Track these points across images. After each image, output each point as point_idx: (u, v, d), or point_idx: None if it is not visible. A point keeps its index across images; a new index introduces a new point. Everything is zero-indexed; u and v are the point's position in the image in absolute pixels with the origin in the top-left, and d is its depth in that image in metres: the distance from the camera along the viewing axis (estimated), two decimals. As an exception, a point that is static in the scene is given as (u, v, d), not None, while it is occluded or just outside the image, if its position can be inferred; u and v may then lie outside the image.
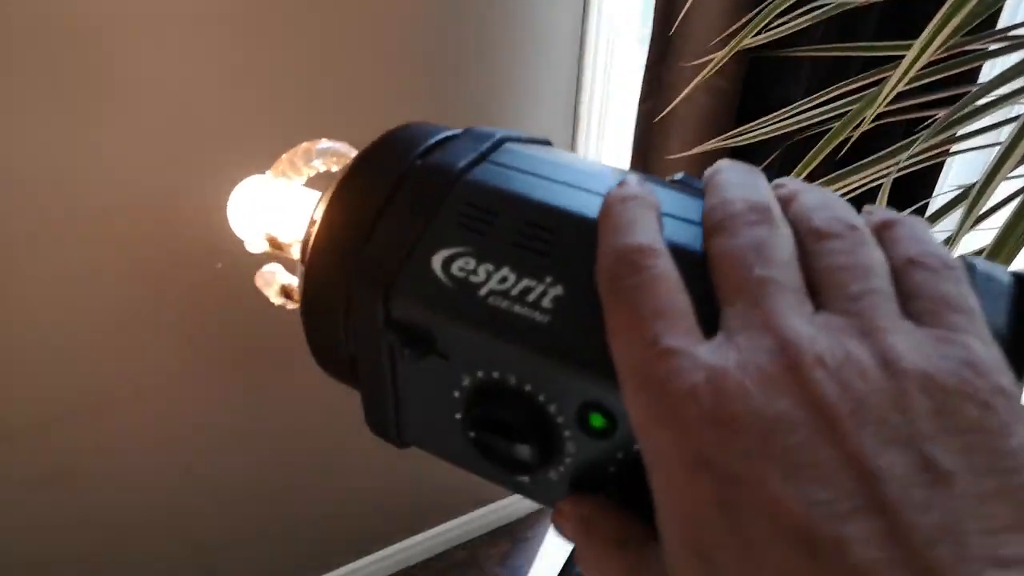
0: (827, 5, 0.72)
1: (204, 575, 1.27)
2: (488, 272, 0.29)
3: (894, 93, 0.65)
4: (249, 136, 0.83)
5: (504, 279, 0.29)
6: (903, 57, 0.70)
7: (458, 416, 0.31)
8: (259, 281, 0.39)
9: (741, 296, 0.23)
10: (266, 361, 1.09)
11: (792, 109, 0.77)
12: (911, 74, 0.63)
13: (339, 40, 0.88)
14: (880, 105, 0.65)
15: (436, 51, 0.95)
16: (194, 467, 1.14)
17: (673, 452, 0.21)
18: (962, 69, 0.72)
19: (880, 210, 0.28)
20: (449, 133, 0.34)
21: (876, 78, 0.76)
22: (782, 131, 0.77)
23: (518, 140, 0.35)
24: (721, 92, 0.90)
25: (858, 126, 0.71)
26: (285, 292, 0.39)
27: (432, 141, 0.34)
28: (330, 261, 0.32)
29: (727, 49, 0.70)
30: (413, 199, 0.32)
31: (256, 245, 0.39)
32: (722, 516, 0.20)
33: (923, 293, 0.23)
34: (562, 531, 0.30)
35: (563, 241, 0.29)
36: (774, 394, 0.20)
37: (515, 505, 1.60)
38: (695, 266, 0.26)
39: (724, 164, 0.29)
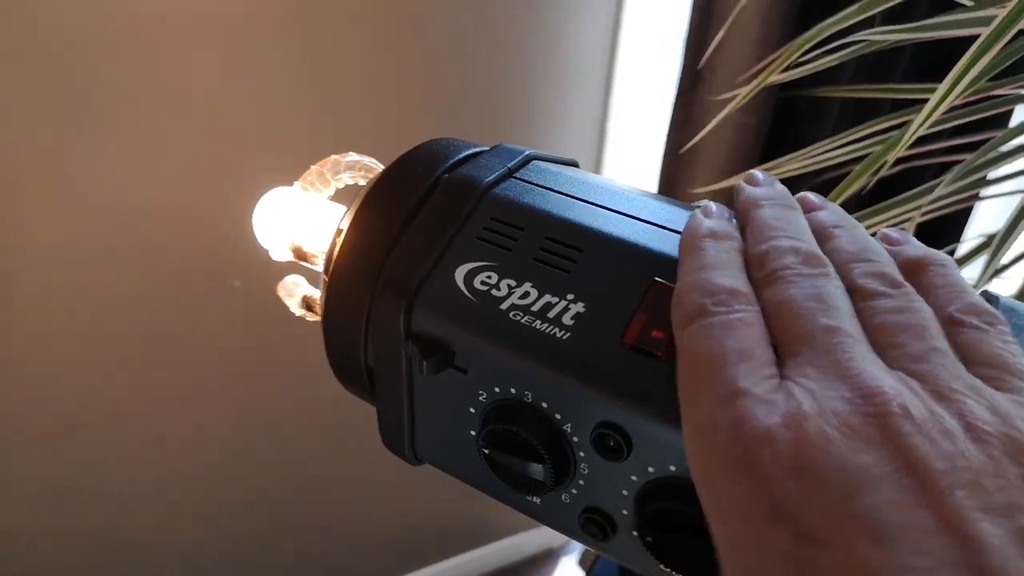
0: (855, 45, 0.72)
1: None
2: (510, 287, 0.29)
3: (915, 137, 0.64)
4: (277, 148, 0.84)
5: (526, 294, 0.29)
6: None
7: (473, 433, 0.31)
8: (281, 291, 0.40)
9: (808, 345, 0.22)
10: (280, 380, 1.10)
11: (816, 147, 0.77)
12: (933, 118, 0.63)
13: (370, 57, 0.89)
14: (902, 148, 0.65)
15: (465, 73, 0.96)
16: (202, 483, 1.14)
17: (746, 502, 0.20)
18: (991, 113, 0.72)
19: (902, 242, 0.27)
20: (477, 149, 0.35)
21: (901, 120, 0.76)
22: (805, 169, 0.77)
23: (546, 159, 0.35)
24: (747, 128, 0.90)
25: (879, 169, 0.70)
26: (307, 304, 0.39)
27: (460, 156, 0.34)
28: (354, 271, 0.32)
29: (752, 85, 0.70)
30: (438, 212, 0.32)
31: (281, 254, 0.39)
32: None
33: (977, 356, 0.22)
34: None
35: (586, 259, 0.29)
36: (857, 444, 0.19)
37: (524, 546, 1.57)
38: None
39: (759, 192, 0.28)
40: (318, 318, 0.40)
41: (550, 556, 1.59)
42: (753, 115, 0.89)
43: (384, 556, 1.42)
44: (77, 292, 0.90)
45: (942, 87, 0.58)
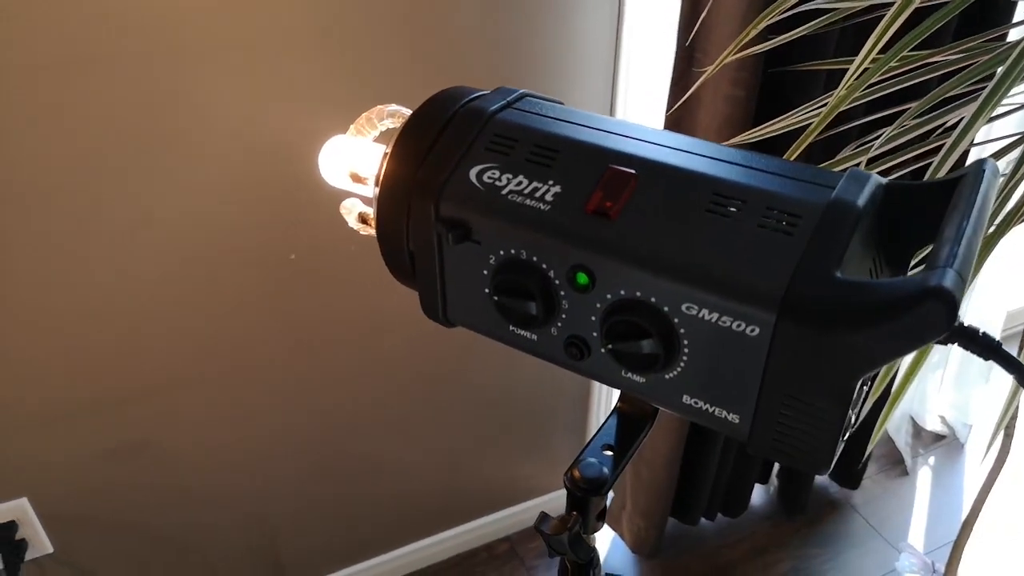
0: (823, 17, 0.83)
1: (268, 543, 1.39)
2: (508, 179, 0.41)
3: (841, 105, 0.74)
4: (333, 103, 0.96)
5: (519, 183, 0.41)
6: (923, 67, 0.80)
7: (487, 290, 0.43)
8: (343, 210, 0.52)
9: None
10: (336, 349, 1.22)
11: (794, 113, 0.88)
12: (848, 87, 0.73)
13: (398, 32, 0.99)
14: (829, 116, 0.75)
15: (483, 37, 1.05)
16: (263, 444, 1.27)
17: None
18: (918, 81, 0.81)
19: None
20: (483, 92, 0.47)
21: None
22: (784, 130, 0.87)
23: (536, 97, 0.47)
24: (738, 100, 1.01)
25: (826, 129, 0.81)
26: (362, 218, 0.51)
27: (470, 96, 0.46)
28: (397, 180, 0.45)
29: (731, 48, 0.80)
30: (456, 133, 0.44)
31: (341, 183, 0.52)
32: None
33: None
34: None
35: (562, 158, 0.41)
36: None
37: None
38: None
39: None
40: (369, 230, 0.52)
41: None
42: (743, 88, 1.00)
43: (434, 513, 1.54)
44: (143, 263, 1.03)
45: (858, 58, 0.68)
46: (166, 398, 1.14)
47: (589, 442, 0.58)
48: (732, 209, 0.37)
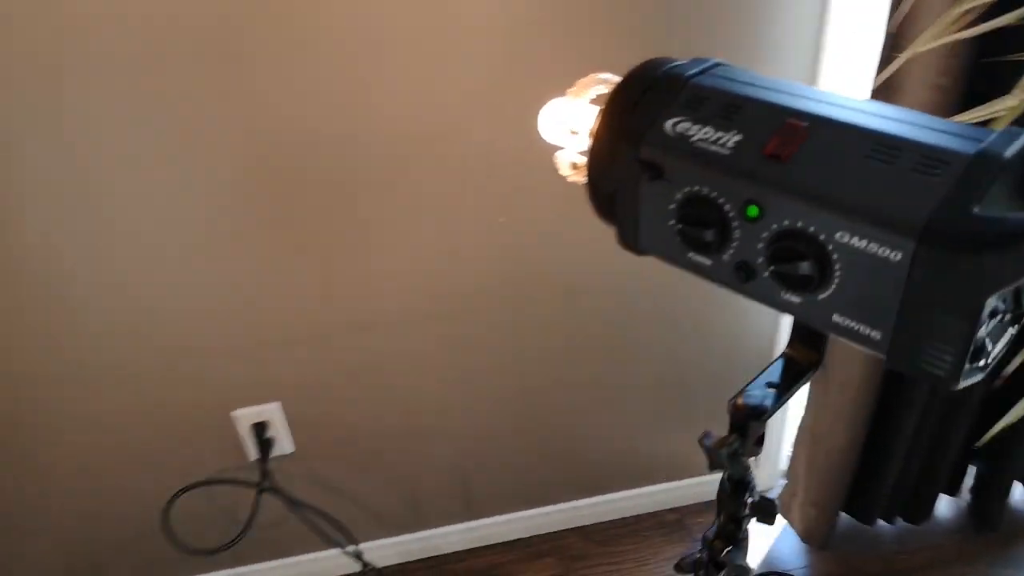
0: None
1: (462, 479, 1.56)
2: (697, 129, 0.51)
3: None
4: (552, 71, 1.09)
5: (706, 132, 0.50)
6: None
7: (672, 221, 0.53)
8: (556, 160, 0.64)
9: None
10: (538, 307, 1.36)
11: (997, 102, 0.88)
12: None
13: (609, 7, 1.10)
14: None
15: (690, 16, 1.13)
16: (470, 383, 1.43)
17: None
18: None
19: None
20: (682, 61, 0.56)
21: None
22: (984, 118, 0.88)
23: (728, 65, 0.56)
24: (942, 89, 1.01)
25: None
26: (573, 166, 0.63)
27: (671, 64, 0.56)
28: (607, 131, 0.56)
29: (927, 34, 0.83)
30: (657, 93, 0.54)
31: (555, 138, 0.63)
32: None
33: None
34: None
35: (744, 112, 0.50)
36: None
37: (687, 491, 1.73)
38: None
39: None
40: (577, 177, 0.64)
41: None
42: (948, 77, 1.00)
43: (611, 473, 1.65)
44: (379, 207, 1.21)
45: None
46: (405, 331, 1.33)
47: (755, 378, 0.66)
48: (888, 156, 0.44)
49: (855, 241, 0.44)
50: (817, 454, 1.49)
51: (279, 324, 1.27)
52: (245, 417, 1.35)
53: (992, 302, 0.41)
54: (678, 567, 0.78)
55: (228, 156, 1.11)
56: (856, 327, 0.46)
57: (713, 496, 1.72)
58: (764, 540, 1.66)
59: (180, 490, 1.34)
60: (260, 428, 1.37)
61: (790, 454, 1.62)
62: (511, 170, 1.18)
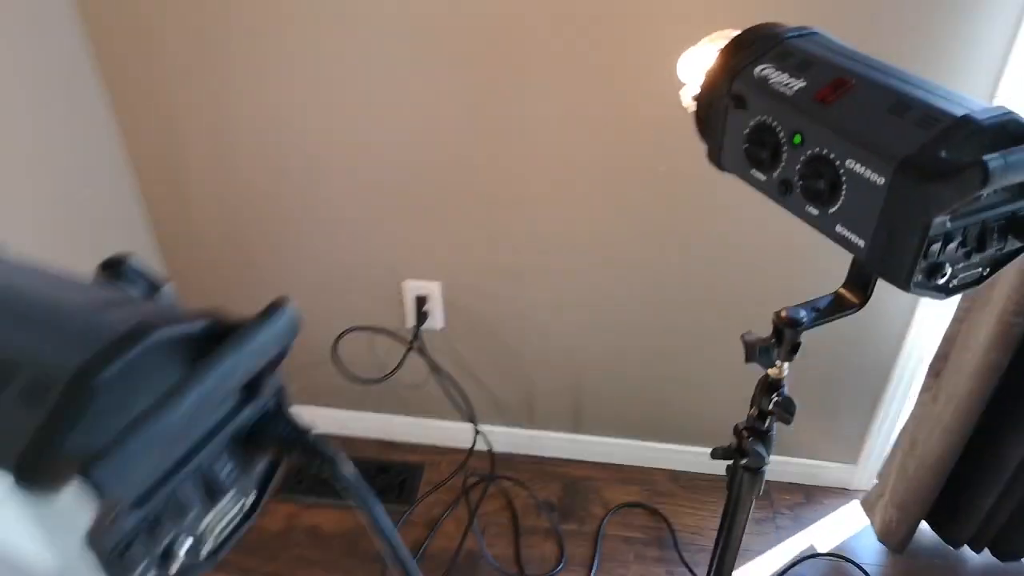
0: None
1: (575, 399, 1.78)
2: (777, 74, 0.67)
3: None
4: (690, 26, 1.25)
5: (781, 77, 0.67)
6: None
7: (743, 143, 0.70)
8: (682, 93, 0.81)
9: None
10: (691, 257, 1.52)
11: None
12: None
13: None
14: None
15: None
16: (609, 313, 1.63)
17: None
18: None
19: None
20: (786, 25, 0.72)
21: None
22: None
23: (824, 34, 0.71)
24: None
25: None
26: (694, 98, 0.80)
27: (775, 27, 0.72)
28: (716, 70, 0.73)
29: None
30: (757, 46, 0.70)
31: (687, 78, 0.81)
32: None
33: None
34: None
35: (813, 68, 0.66)
36: None
37: (820, 475, 1.80)
38: None
39: None
40: (692, 107, 0.81)
41: (843, 494, 1.80)
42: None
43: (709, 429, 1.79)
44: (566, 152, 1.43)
45: None
46: (562, 252, 1.55)
47: (807, 302, 0.81)
48: (902, 111, 0.59)
49: (858, 167, 0.59)
50: (910, 459, 1.55)
51: (459, 217, 1.54)
52: (411, 289, 1.64)
53: (943, 225, 0.55)
54: (713, 454, 0.94)
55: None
56: (850, 236, 0.62)
57: (806, 481, 1.85)
58: (844, 530, 1.73)
59: (349, 328, 1.66)
60: (421, 301, 1.65)
61: (887, 456, 1.68)
62: (669, 125, 1.35)
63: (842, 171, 0.61)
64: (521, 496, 1.79)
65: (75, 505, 0.34)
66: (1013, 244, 0.60)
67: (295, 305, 0.40)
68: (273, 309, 0.39)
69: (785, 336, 0.80)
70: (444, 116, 1.41)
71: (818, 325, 0.80)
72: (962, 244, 0.58)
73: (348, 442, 1.90)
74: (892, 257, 0.58)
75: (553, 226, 1.52)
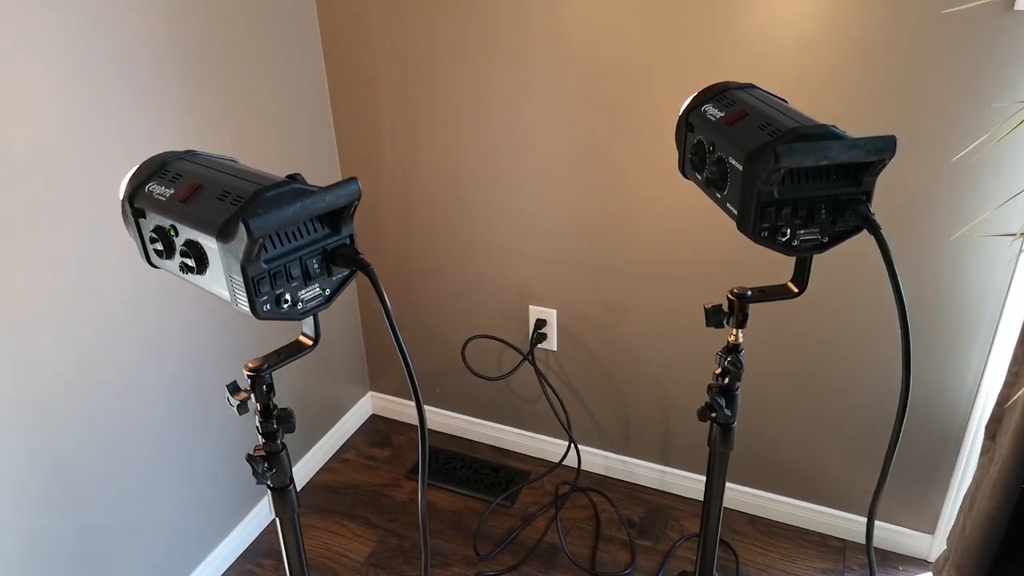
0: None
1: (667, 425, 2.01)
2: (713, 110, 1.00)
3: None
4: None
5: (714, 112, 0.99)
6: None
7: (691, 154, 1.02)
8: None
9: None
10: (793, 307, 1.76)
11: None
12: None
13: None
14: None
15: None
16: (705, 352, 1.88)
17: None
18: None
19: None
20: (736, 82, 1.03)
21: None
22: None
23: (759, 88, 1.02)
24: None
25: None
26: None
27: (726, 83, 1.04)
28: (684, 109, 1.06)
29: None
30: (709, 95, 1.03)
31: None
32: None
33: None
34: None
35: (733, 105, 0.97)
36: None
37: (900, 541, 1.84)
38: None
39: None
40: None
41: (919, 564, 1.83)
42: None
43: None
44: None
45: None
46: (668, 288, 1.86)
47: (757, 287, 1.08)
48: (764, 126, 0.88)
49: (732, 161, 0.89)
50: (968, 519, 1.61)
51: (579, 254, 1.90)
52: (534, 312, 2.01)
53: (771, 195, 0.84)
54: (698, 415, 1.19)
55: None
56: (732, 209, 0.91)
57: (883, 546, 1.98)
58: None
59: (476, 335, 2.06)
60: (540, 323, 2.01)
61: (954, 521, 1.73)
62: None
63: (728, 166, 0.91)
64: (608, 510, 2.04)
65: (239, 248, 0.76)
66: (844, 224, 0.87)
67: (358, 182, 0.80)
68: (346, 180, 0.79)
69: (735, 306, 1.07)
70: (581, 177, 1.81)
71: (759, 301, 1.06)
72: (795, 213, 0.86)
73: (470, 444, 2.27)
74: (746, 218, 0.87)
75: (657, 267, 1.83)
